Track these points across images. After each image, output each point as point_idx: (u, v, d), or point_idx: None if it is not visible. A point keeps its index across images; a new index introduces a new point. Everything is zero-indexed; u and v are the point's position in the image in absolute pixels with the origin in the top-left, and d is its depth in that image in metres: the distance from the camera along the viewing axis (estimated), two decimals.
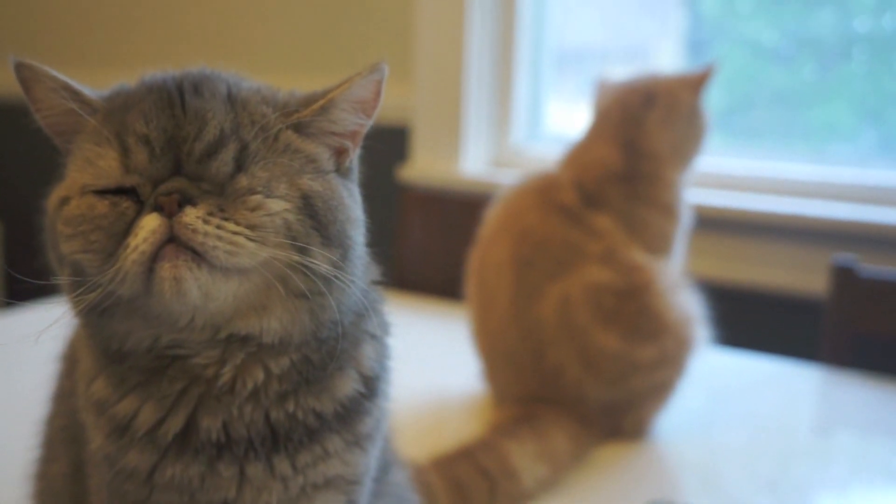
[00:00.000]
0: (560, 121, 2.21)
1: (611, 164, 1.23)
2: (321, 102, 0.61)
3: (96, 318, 0.58)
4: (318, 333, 0.60)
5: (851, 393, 1.41)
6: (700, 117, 1.27)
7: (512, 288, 1.20)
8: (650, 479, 1.12)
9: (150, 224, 0.54)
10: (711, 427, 1.26)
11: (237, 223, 0.55)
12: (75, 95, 0.60)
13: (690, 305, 1.22)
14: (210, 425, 0.59)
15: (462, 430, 1.17)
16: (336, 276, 0.58)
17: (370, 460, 0.66)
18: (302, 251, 0.57)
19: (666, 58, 2.17)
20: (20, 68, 0.59)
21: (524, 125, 2.20)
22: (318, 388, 0.62)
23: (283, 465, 0.60)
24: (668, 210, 1.23)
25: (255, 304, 0.57)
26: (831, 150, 1.95)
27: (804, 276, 1.75)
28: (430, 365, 1.45)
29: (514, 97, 2.17)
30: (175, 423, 0.59)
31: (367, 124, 0.64)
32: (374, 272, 0.68)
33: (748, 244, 1.83)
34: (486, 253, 1.27)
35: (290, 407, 0.60)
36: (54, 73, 0.60)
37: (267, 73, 2.83)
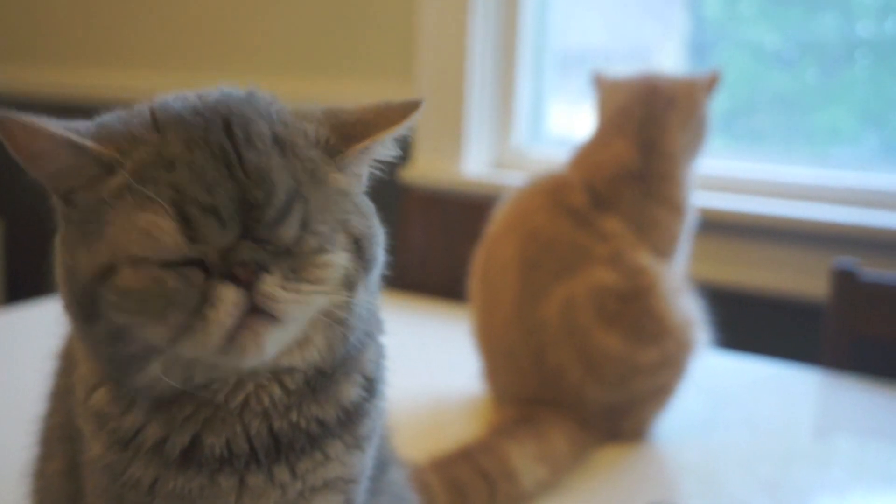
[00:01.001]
0: (562, 123, 2.22)
1: (627, 161, 1.23)
2: (365, 143, 0.60)
3: (125, 361, 0.56)
4: (343, 351, 0.61)
5: (851, 396, 1.41)
6: (708, 120, 1.30)
7: (516, 288, 1.20)
8: (650, 481, 1.12)
9: (230, 297, 0.53)
10: (711, 430, 1.26)
11: (309, 283, 0.55)
12: (81, 152, 0.54)
13: (692, 308, 1.22)
14: (214, 442, 0.58)
15: (461, 431, 1.17)
16: (365, 296, 0.59)
17: (368, 459, 0.66)
18: (351, 289, 0.58)
19: (668, 60, 2.17)
20: (5, 125, 0.53)
21: (526, 127, 2.20)
22: (324, 397, 0.61)
23: (282, 473, 0.60)
24: (677, 208, 1.24)
25: (300, 339, 0.58)
26: (833, 153, 1.95)
27: (805, 280, 1.75)
28: (430, 365, 1.45)
29: (516, 99, 2.17)
30: (181, 441, 0.58)
31: (392, 154, 0.64)
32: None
33: (749, 247, 1.83)
34: (492, 252, 1.27)
35: (294, 416, 0.60)
36: (52, 127, 0.54)
37: (268, 73, 2.85)
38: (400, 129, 0.61)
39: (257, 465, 0.59)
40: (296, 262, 0.55)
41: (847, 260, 1.53)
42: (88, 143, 0.54)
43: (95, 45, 2.84)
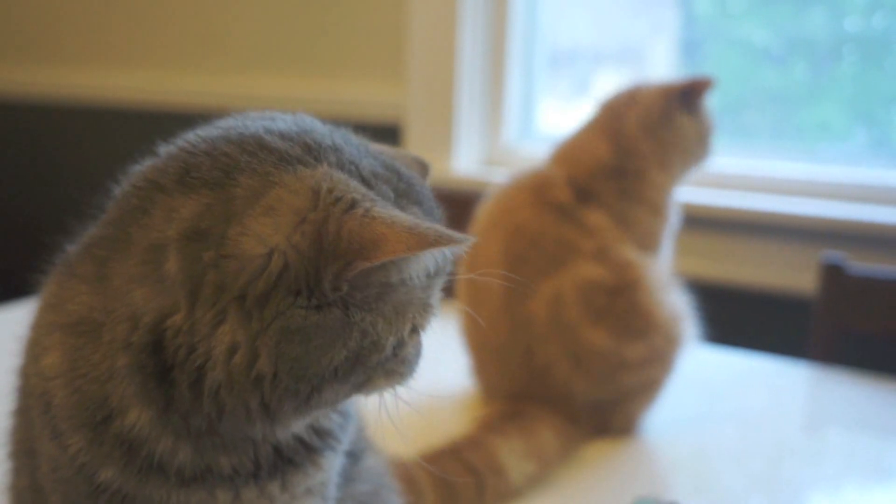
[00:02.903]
0: (552, 120, 2.22)
1: (601, 156, 1.23)
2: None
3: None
4: None
5: (840, 390, 1.41)
6: (677, 126, 1.24)
7: (503, 284, 1.20)
8: (638, 476, 1.12)
9: None
10: (700, 424, 1.26)
11: None
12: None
13: (679, 303, 1.22)
14: (225, 463, 0.58)
15: (450, 426, 1.17)
16: None
17: (338, 460, 0.66)
18: None
19: (659, 58, 2.17)
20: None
21: (516, 124, 2.20)
22: None
23: (273, 487, 0.60)
24: (655, 209, 1.23)
25: None
26: (822, 149, 1.96)
27: (794, 274, 1.76)
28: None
29: (507, 96, 2.17)
30: (201, 465, 0.57)
31: None
32: None
33: (739, 242, 1.84)
34: (478, 249, 1.27)
35: (301, 430, 0.60)
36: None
37: (259, 73, 2.85)
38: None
39: (255, 480, 0.59)
40: None
41: (835, 254, 1.53)
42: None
43: (95, 45, 2.84)
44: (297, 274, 0.50)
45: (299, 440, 0.61)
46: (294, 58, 2.41)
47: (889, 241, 1.70)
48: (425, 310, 0.58)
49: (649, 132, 1.24)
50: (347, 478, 0.71)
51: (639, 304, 1.16)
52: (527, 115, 2.22)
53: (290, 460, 0.60)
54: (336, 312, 0.51)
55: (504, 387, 1.23)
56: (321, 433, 0.62)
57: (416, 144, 2.17)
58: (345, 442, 0.65)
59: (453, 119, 2.13)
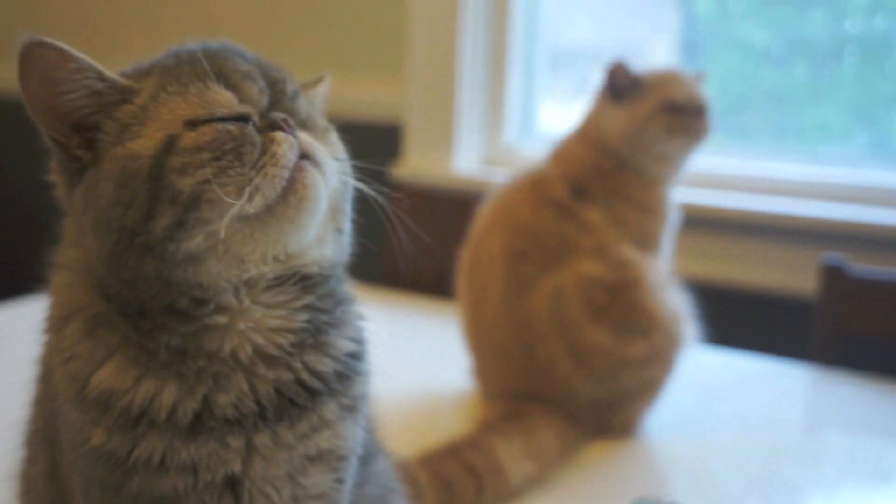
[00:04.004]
0: (553, 120, 2.21)
1: (584, 154, 1.24)
2: (314, 81, 0.71)
3: (186, 264, 0.58)
4: (339, 271, 0.67)
5: (840, 392, 1.41)
6: (610, 120, 1.23)
7: (504, 282, 1.20)
8: (638, 476, 1.12)
9: (286, 140, 0.60)
10: (700, 425, 1.26)
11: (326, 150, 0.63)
12: (106, 81, 0.61)
13: (679, 303, 1.22)
14: (225, 401, 0.60)
15: (450, 427, 1.17)
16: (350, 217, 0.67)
17: (358, 432, 0.67)
18: (347, 188, 0.65)
19: (659, 59, 2.17)
20: (42, 48, 0.58)
21: (517, 124, 2.20)
22: (321, 344, 0.64)
23: (286, 433, 0.61)
24: (647, 209, 1.23)
25: (318, 236, 0.63)
26: (823, 150, 1.96)
27: (794, 276, 1.76)
28: (419, 361, 1.45)
29: (507, 96, 2.17)
30: (192, 404, 0.59)
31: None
32: None
33: (739, 243, 1.84)
34: (479, 248, 1.27)
35: (298, 365, 0.62)
36: (83, 56, 0.60)
37: None
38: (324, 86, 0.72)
39: (264, 422, 0.61)
40: (312, 133, 0.63)
41: (836, 255, 1.53)
42: (112, 75, 0.62)
43: (96, 44, 2.84)
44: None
45: (298, 382, 0.62)
46: (294, 58, 2.39)
47: (889, 242, 1.70)
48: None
49: (624, 127, 1.23)
50: (358, 481, 0.71)
51: (639, 302, 1.17)
52: (527, 115, 2.22)
53: (292, 402, 0.62)
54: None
55: (505, 386, 1.23)
56: (317, 375, 0.63)
57: (416, 144, 2.17)
58: (356, 402, 0.66)
59: (454, 119, 2.13)
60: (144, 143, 0.58)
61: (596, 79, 1.31)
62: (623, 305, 1.16)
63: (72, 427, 0.62)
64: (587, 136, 1.26)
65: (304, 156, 0.60)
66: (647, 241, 1.22)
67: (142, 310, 0.60)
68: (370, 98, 2.26)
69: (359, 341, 0.68)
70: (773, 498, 1.05)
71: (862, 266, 1.53)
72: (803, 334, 1.63)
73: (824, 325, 1.52)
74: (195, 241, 0.57)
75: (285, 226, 0.59)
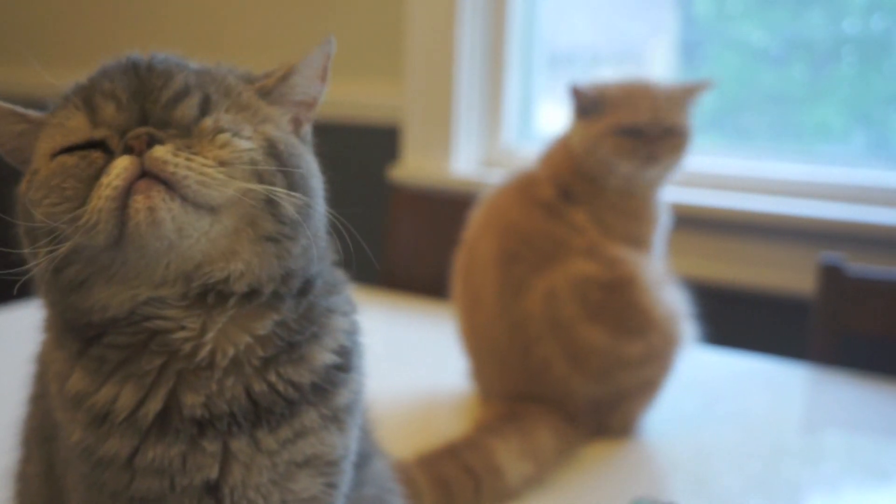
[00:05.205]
0: (551, 122, 2.22)
1: (566, 163, 1.24)
2: (282, 71, 0.67)
3: (74, 291, 0.58)
4: (289, 284, 0.61)
5: (839, 391, 1.41)
6: (598, 146, 1.20)
7: (498, 283, 1.20)
8: (636, 477, 1.12)
9: (122, 163, 0.56)
10: (699, 425, 1.26)
11: (206, 157, 0.57)
12: (22, 117, 0.62)
13: (676, 302, 1.22)
14: (193, 402, 0.59)
15: (448, 428, 1.17)
16: (301, 223, 0.60)
17: (349, 441, 0.66)
18: (268, 191, 0.59)
19: (658, 60, 2.17)
20: None
21: (515, 126, 2.20)
22: (297, 357, 0.62)
23: (267, 439, 0.61)
24: (632, 214, 1.22)
25: (225, 249, 0.58)
26: (821, 150, 1.96)
27: (793, 275, 1.76)
28: (417, 363, 1.45)
29: (505, 98, 2.17)
30: (154, 404, 0.59)
31: (319, 97, 0.69)
32: (332, 254, 0.69)
33: (737, 243, 1.84)
34: (472, 251, 1.27)
35: (272, 377, 0.61)
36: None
37: (257, 72, 2.81)
38: (309, 60, 0.68)
39: (239, 428, 0.60)
40: (193, 140, 0.58)
41: (834, 255, 1.53)
42: (30, 113, 0.62)
43: (96, 45, 2.84)
44: None
45: (273, 390, 0.61)
46: (294, 59, 2.41)
47: (888, 242, 1.69)
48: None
49: (601, 133, 1.22)
50: (355, 483, 0.71)
51: (635, 301, 1.16)
52: (525, 117, 2.22)
53: (269, 410, 0.61)
54: None
55: (502, 387, 1.23)
56: (293, 385, 0.62)
57: (415, 146, 2.17)
58: (340, 414, 0.65)
59: (452, 120, 2.13)
60: (24, 179, 0.61)
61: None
62: (618, 304, 1.16)
63: (60, 424, 0.63)
64: (567, 143, 1.26)
65: (156, 175, 0.55)
66: (636, 244, 1.22)
67: (77, 325, 0.61)
68: (369, 100, 2.26)
69: (343, 353, 0.65)
70: (772, 498, 1.05)
71: (860, 266, 1.53)
72: (802, 334, 1.63)
73: (823, 324, 1.52)
74: (72, 270, 0.57)
75: (134, 254, 0.56)
